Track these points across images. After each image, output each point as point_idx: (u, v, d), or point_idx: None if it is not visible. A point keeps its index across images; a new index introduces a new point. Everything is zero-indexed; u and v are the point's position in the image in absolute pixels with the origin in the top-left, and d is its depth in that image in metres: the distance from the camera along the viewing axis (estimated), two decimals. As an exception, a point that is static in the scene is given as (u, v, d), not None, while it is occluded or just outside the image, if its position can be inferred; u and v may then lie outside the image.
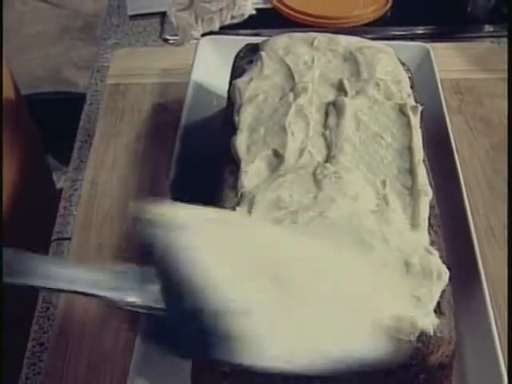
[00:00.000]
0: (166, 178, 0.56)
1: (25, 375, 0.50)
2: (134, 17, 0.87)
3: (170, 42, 0.83)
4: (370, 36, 0.71)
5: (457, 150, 0.62)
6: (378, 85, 0.54)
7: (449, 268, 0.44)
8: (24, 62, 1.84)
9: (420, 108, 0.54)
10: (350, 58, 0.57)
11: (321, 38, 0.59)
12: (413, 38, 0.82)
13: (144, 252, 0.36)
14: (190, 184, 0.56)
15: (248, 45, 0.62)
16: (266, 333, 0.34)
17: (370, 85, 0.54)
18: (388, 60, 0.58)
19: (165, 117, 0.68)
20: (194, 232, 0.36)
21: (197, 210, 0.39)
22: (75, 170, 0.67)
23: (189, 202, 0.38)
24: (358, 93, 0.53)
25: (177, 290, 0.35)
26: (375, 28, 0.84)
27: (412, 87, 0.58)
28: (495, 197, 0.63)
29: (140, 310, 0.35)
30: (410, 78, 0.59)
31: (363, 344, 0.37)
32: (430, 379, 0.44)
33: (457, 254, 0.50)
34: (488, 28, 0.86)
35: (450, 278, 0.44)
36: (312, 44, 0.58)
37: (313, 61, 0.56)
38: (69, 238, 0.60)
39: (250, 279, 0.35)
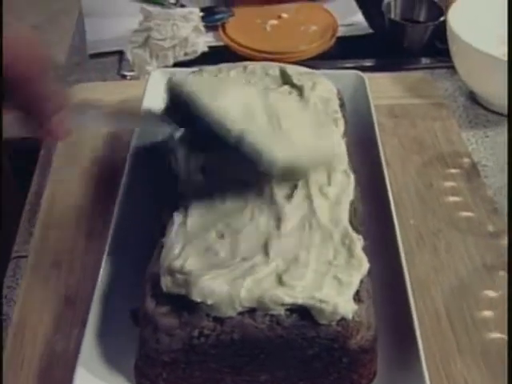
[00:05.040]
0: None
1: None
2: (93, 56, 0.92)
3: (128, 77, 0.88)
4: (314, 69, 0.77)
5: (390, 166, 0.66)
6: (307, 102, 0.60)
7: (370, 261, 0.49)
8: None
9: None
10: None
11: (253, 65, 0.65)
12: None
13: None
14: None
15: (192, 72, 0.67)
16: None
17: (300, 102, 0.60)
18: (318, 82, 0.63)
19: (118, 142, 0.73)
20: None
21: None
22: (34, 195, 0.71)
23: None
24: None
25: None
26: (320, 61, 0.90)
27: (342, 107, 0.63)
28: (426, 209, 0.68)
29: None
30: (340, 98, 0.65)
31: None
32: (353, 363, 0.48)
33: (384, 258, 0.55)
34: (425, 61, 0.93)
35: (370, 271, 0.49)
36: (245, 69, 0.64)
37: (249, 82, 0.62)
38: (26, 256, 0.63)
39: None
